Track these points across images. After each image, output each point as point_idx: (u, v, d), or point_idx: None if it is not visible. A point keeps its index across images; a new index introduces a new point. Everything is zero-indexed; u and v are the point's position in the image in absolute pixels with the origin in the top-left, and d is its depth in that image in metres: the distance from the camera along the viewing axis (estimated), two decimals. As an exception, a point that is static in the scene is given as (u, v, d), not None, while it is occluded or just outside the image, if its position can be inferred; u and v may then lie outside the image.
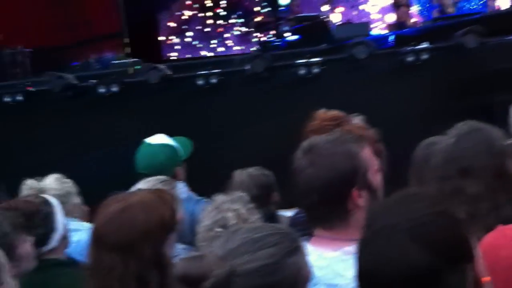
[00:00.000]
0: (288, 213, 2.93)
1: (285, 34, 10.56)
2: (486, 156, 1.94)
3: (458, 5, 10.83)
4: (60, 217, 2.36)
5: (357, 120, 2.84)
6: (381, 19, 14.04)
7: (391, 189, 1.47)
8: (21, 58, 8.06)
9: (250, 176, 3.10)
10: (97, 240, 1.75)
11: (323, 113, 2.67)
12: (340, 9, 12.97)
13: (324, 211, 1.71)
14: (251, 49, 11.91)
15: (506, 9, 9.87)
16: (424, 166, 2.13)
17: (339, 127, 2.35)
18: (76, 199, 2.93)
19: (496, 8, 10.75)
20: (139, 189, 2.20)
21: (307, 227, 1.79)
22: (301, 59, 6.30)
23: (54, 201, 2.41)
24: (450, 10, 10.62)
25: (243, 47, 14.16)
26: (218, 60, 9.86)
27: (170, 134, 3.12)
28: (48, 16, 11.61)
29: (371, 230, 1.28)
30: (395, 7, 11.98)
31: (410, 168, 2.26)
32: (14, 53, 8.03)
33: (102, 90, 6.41)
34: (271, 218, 3.00)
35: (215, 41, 14.86)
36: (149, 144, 2.92)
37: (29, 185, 2.83)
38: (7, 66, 7.90)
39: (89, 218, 2.72)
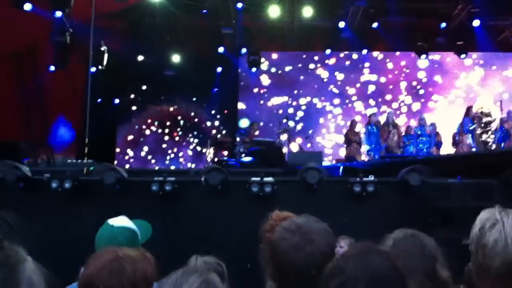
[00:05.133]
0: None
1: (241, 155, 10.88)
2: (418, 259, 2.17)
3: (404, 149, 11.60)
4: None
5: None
6: (334, 153, 14.80)
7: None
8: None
9: (205, 263, 3.16)
10: (88, 285, 1.87)
11: (277, 214, 2.88)
12: (298, 140, 13.64)
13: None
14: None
15: (448, 154, 10.59)
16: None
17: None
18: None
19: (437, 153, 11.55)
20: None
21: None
22: (255, 178, 6.50)
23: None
24: (396, 151, 11.35)
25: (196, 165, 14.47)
26: (173, 171, 10.01)
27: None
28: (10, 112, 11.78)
29: (335, 282, 1.46)
30: (347, 143, 12.72)
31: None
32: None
33: (55, 185, 6.45)
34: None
35: (169, 157, 15.15)
36: (111, 226, 3.01)
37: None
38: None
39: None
